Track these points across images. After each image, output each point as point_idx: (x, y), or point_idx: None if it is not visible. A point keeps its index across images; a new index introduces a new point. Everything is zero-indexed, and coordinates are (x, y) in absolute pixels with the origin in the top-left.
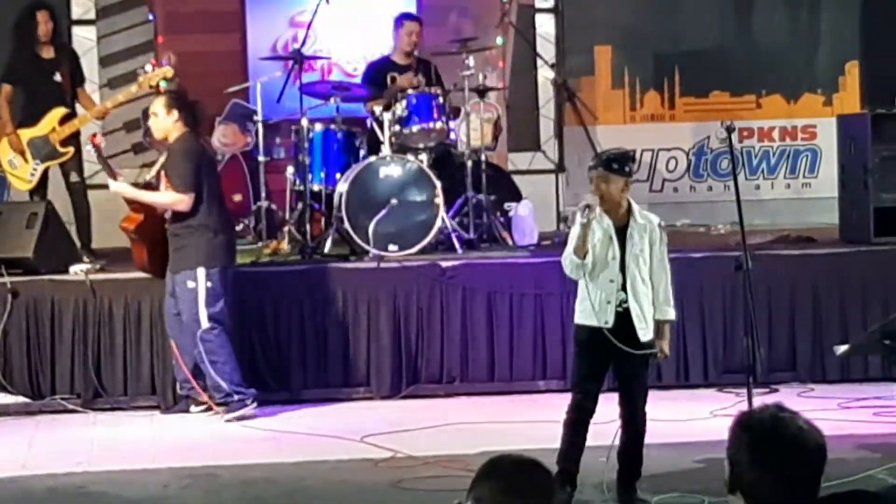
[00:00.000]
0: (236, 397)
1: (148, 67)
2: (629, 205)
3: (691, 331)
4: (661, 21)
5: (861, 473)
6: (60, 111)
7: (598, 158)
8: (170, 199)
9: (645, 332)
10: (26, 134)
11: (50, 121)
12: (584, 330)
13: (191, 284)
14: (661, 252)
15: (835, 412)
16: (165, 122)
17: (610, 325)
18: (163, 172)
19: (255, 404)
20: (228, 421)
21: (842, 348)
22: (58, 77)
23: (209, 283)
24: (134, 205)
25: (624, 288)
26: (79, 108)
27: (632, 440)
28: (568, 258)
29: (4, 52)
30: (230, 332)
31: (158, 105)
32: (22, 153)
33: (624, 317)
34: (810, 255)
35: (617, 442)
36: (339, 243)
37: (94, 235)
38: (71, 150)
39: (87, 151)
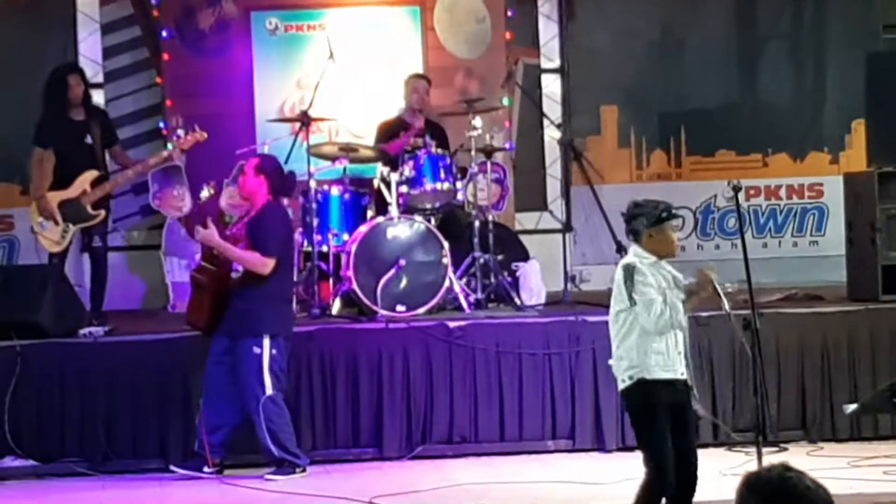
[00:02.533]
0: (286, 464)
1: (181, 132)
2: None
3: (700, 389)
4: (667, 81)
5: None
6: (92, 174)
7: (668, 208)
8: (254, 259)
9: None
10: (57, 196)
11: (81, 183)
12: (660, 385)
13: (256, 350)
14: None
15: (845, 471)
16: (252, 184)
17: (685, 376)
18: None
19: (304, 473)
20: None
21: (851, 407)
22: (89, 139)
23: (274, 351)
24: (212, 257)
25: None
26: (111, 168)
27: (689, 493)
28: (675, 316)
29: (24, 115)
30: (288, 397)
31: (249, 165)
32: (52, 217)
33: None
34: (818, 313)
35: None
36: (347, 304)
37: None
38: (102, 213)
39: (202, 194)
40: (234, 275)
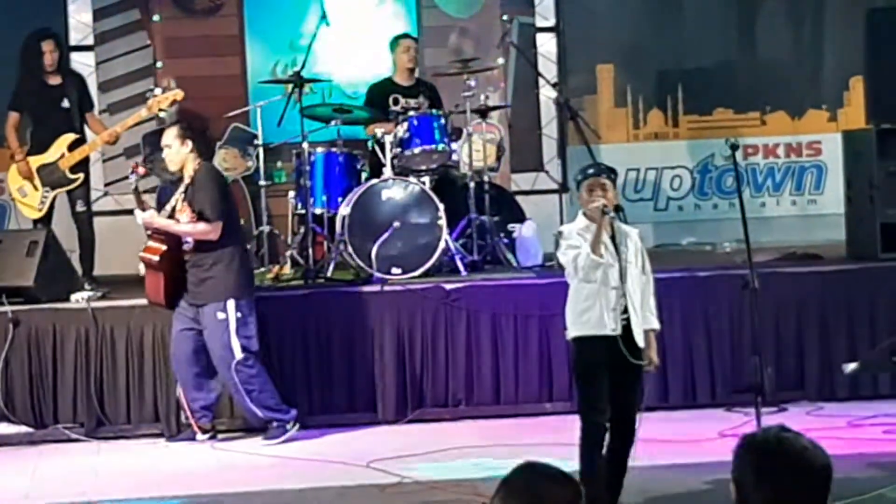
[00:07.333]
0: (275, 423)
1: (157, 91)
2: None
3: (698, 350)
4: (664, 39)
5: (871, 492)
6: (69, 137)
7: (596, 167)
8: (201, 228)
9: (640, 339)
10: (35, 161)
11: (59, 147)
12: (588, 342)
13: (221, 316)
14: (645, 261)
15: (844, 430)
16: (180, 154)
17: (618, 332)
18: (181, 202)
19: (295, 426)
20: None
21: (850, 366)
22: (65, 104)
23: (239, 314)
24: (158, 235)
25: (624, 295)
26: (88, 133)
27: (625, 450)
28: (586, 258)
29: (11, 79)
30: (260, 357)
31: (171, 136)
32: (31, 180)
33: (626, 325)
34: (817, 272)
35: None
36: (342, 267)
37: (95, 263)
38: (80, 176)
39: (129, 179)
40: (185, 246)
